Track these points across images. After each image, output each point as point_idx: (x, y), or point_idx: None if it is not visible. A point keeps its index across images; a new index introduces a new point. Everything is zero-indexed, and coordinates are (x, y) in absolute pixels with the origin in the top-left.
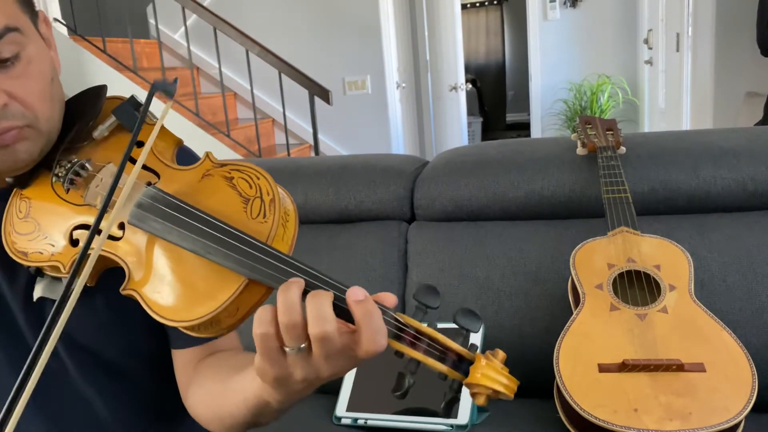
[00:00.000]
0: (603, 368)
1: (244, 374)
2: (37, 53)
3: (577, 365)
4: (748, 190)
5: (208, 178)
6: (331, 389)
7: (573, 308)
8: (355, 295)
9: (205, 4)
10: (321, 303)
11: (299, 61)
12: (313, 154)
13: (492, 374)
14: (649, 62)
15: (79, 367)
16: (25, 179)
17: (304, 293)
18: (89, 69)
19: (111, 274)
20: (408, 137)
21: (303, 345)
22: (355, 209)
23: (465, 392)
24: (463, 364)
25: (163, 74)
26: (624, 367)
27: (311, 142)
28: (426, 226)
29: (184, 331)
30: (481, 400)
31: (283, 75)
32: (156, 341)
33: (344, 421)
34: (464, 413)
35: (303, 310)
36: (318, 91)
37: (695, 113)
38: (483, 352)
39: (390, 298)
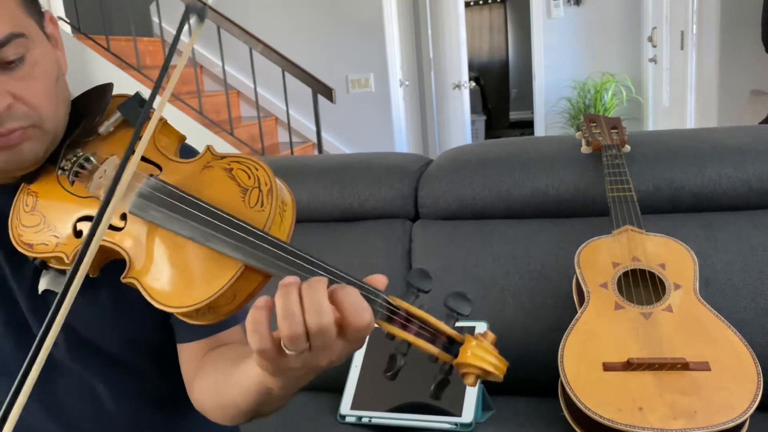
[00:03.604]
0: (608, 367)
1: (244, 364)
2: (42, 54)
3: (582, 364)
4: (753, 188)
5: (209, 169)
6: (336, 387)
7: (578, 307)
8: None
9: (208, 2)
10: (317, 295)
11: (302, 60)
12: (316, 152)
13: (482, 354)
14: (654, 60)
15: (83, 359)
16: (32, 174)
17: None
18: (93, 67)
19: (114, 267)
20: (411, 135)
21: (305, 347)
22: (359, 208)
23: (469, 391)
24: (453, 347)
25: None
26: (629, 365)
27: (314, 140)
28: (430, 224)
29: (182, 318)
30: (471, 381)
31: (286, 73)
32: (160, 335)
33: (348, 419)
34: (468, 411)
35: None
36: (321, 89)
37: (700, 111)
38: None
39: (381, 280)
